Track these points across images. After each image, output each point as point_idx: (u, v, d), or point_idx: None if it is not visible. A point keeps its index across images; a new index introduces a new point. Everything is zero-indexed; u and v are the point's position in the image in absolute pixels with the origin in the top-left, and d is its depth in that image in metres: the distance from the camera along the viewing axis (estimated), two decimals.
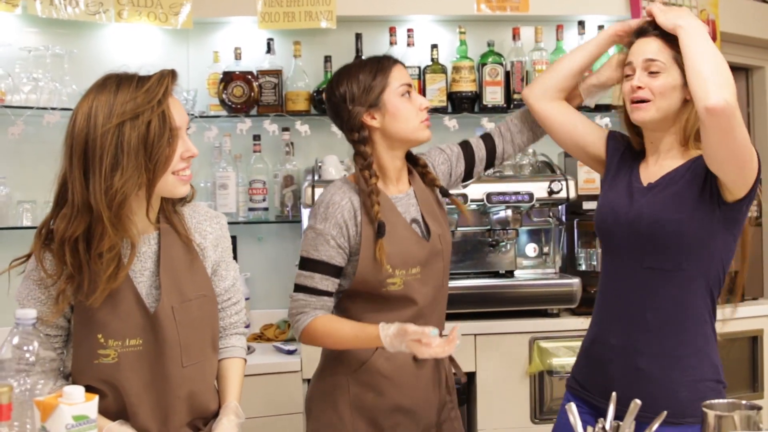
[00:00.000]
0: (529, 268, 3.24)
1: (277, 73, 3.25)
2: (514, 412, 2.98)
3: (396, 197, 1.99)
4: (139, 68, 1.68)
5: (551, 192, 2.98)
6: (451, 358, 2.10)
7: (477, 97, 3.32)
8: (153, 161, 1.57)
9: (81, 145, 1.55)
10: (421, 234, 2.00)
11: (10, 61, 3.06)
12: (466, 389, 2.95)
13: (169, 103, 1.60)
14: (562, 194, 2.98)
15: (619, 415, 1.49)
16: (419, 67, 3.28)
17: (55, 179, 1.62)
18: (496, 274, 3.16)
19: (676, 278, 1.81)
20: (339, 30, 3.27)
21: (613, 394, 1.54)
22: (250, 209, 3.25)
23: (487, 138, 2.15)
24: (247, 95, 3.20)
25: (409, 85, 1.96)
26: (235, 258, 1.86)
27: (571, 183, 3.01)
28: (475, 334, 2.94)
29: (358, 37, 3.28)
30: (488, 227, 3.12)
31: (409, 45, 3.29)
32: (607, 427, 1.47)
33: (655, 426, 1.43)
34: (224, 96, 3.20)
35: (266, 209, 3.26)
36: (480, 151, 2.13)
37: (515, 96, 3.31)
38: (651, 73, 1.81)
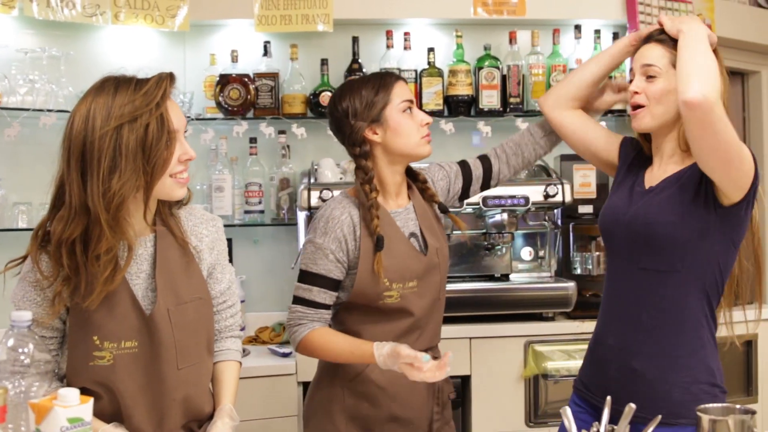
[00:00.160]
0: (525, 271, 3.25)
1: (273, 75, 3.24)
2: (508, 415, 2.98)
3: (395, 212, 2.02)
4: (137, 71, 1.68)
5: (547, 196, 2.99)
6: None
7: (473, 100, 3.32)
8: (151, 164, 1.57)
9: (79, 148, 1.55)
10: (419, 248, 2.02)
11: (7, 63, 3.06)
12: (461, 392, 2.95)
13: (167, 106, 1.60)
14: (558, 198, 2.99)
15: (617, 417, 1.50)
16: (416, 71, 3.28)
17: (52, 181, 1.62)
18: (491, 278, 3.17)
19: (671, 280, 1.82)
20: (336, 33, 3.26)
21: (608, 398, 1.55)
22: (246, 212, 3.25)
23: (484, 159, 2.20)
24: (243, 98, 3.19)
25: (411, 101, 2.00)
26: (230, 261, 1.87)
27: (567, 187, 3.01)
28: (471, 338, 2.94)
29: (355, 40, 3.28)
30: (484, 230, 3.13)
31: (405, 48, 3.30)
32: (602, 430, 1.47)
33: (650, 430, 1.43)
34: (221, 98, 3.19)
35: (262, 212, 3.26)
36: (477, 170, 2.18)
37: (511, 100, 3.32)
38: (648, 77, 1.84)
